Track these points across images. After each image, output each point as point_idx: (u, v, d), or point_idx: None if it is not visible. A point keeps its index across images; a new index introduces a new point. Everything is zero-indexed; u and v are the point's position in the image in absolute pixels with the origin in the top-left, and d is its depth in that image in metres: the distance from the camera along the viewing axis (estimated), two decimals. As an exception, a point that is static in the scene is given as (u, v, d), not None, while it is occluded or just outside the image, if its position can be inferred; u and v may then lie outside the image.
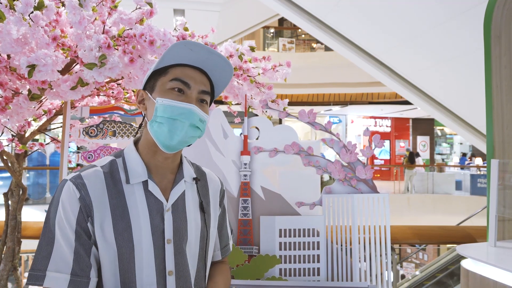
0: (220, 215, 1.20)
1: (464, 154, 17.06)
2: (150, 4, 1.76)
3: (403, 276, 6.62)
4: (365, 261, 2.07)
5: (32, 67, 1.52)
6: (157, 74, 1.03)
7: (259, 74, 2.34)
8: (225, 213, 1.24)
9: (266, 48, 14.83)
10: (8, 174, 2.20)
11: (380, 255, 2.06)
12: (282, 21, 15.08)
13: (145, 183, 1.02)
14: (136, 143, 1.08)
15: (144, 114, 1.06)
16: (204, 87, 1.03)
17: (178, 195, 1.05)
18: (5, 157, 2.16)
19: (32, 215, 7.21)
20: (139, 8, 1.76)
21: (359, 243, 2.06)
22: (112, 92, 2.27)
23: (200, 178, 1.14)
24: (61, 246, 0.94)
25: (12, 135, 2.17)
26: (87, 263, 0.95)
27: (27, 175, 9.39)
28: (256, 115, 2.37)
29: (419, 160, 15.23)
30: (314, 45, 14.74)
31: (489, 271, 1.95)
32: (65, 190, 0.97)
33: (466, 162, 16.71)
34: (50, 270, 0.93)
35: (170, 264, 1.01)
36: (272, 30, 15.21)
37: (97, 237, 0.96)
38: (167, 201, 1.03)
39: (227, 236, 1.25)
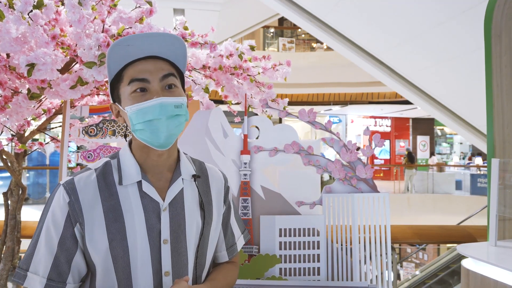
0: (224, 213, 1.17)
1: (479, 154, 16.86)
2: (149, 3, 1.75)
3: (398, 277, 6.61)
4: (365, 260, 2.06)
5: (31, 66, 1.52)
6: (115, 82, 1.00)
7: (259, 73, 2.34)
8: (231, 210, 1.20)
9: (266, 48, 14.82)
10: (7, 174, 2.20)
11: (381, 255, 2.06)
12: (282, 20, 15.07)
13: (139, 184, 1.00)
14: (131, 143, 1.06)
15: (127, 125, 1.04)
16: (163, 71, 0.98)
17: (175, 194, 1.03)
18: (4, 157, 2.15)
19: (32, 214, 7.19)
20: (139, 7, 1.75)
21: (359, 243, 2.06)
22: (112, 92, 2.27)
23: (201, 175, 1.11)
24: (43, 249, 0.96)
25: (12, 135, 2.16)
26: (65, 269, 0.96)
27: (27, 175, 9.39)
28: (256, 114, 2.36)
29: (433, 160, 15.14)
30: (314, 45, 14.72)
31: (489, 271, 1.94)
32: (57, 195, 0.98)
33: (466, 162, 16.68)
34: (30, 271, 0.95)
35: (167, 264, 1.00)
36: (272, 30, 15.20)
37: (88, 241, 0.96)
38: (164, 201, 1.01)
39: (233, 235, 1.21)
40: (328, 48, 13.09)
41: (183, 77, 1.07)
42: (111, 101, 1.05)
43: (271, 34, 15.26)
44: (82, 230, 0.96)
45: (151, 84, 0.96)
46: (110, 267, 0.97)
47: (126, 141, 1.09)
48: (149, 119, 0.95)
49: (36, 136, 2.35)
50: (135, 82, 0.96)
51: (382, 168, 16.63)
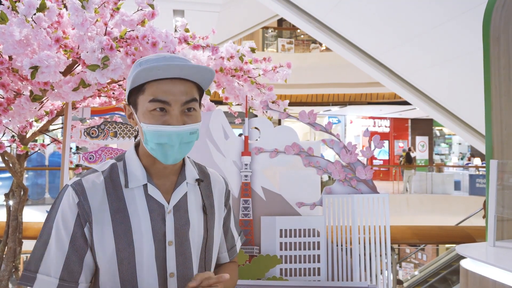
0: (225, 217, 1.19)
1: (473, 155, 16.86)
2: (151, 6, 1.76)
3: (399, 282, 6.58)
4: (365, 261, 2.08)
5: (35, 69, 1.53)
6: (135, 90, 0.99)
7: (259, 75, 2.35)
8: (230, 214, 1.23)
9: (265, 49, 14.83)
10: (6, 175, 2.22)
11: (380, 255, 2.08)
12: (281, 21, 15.08)
13: (145, 187, 1.02)
14: (137, 146, 1.07)
15: (138, 128, 1.03)
16: (187, 96, 0.97)
17: (179, 197, 1.05)
18: (6, 158, 2.16)
19: (32, 215, 7.20)
20: (141, 9, 1.77)
21: (359, 243, 2.07)
22: (113, 93, 2.28)
23: (204, 179, 1.13)
24: (54, 250, 0.96)
25: (12, 136, 2.17)
26: (77, 269, 0.97)
27: (26, 175, 9.38)
28: (256, 115, 2.38)
29: (478, 161, 15.01)
30: (311, 46, 14.67)
31: (488, 271, 1.96)
32: (66, 196, 0.99)
33: (465, 163, 16.71)
34: (40, 272, 0.95)
35: (172, 266, 1.01)
36: (271, 31, 15.21)
37: (96, 242, 0.97)
38: (169, 203, 1.03)
39: (233, 237, 1.25)
40: (326, 49, 13.12)
41: (202, 94, 1.07)
42: (126, 102, 1.04)
43: (271, 32, 15.26)
44: (90, 230, 0.97)
45: (172, 107, 0.96)
46: (114, 269, 0.98)
47: (134, 141, 1.10)
48: (163, 142, 0.96)
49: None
50: (157, 102, 0.95)
51: (381, 169, 16.65)
